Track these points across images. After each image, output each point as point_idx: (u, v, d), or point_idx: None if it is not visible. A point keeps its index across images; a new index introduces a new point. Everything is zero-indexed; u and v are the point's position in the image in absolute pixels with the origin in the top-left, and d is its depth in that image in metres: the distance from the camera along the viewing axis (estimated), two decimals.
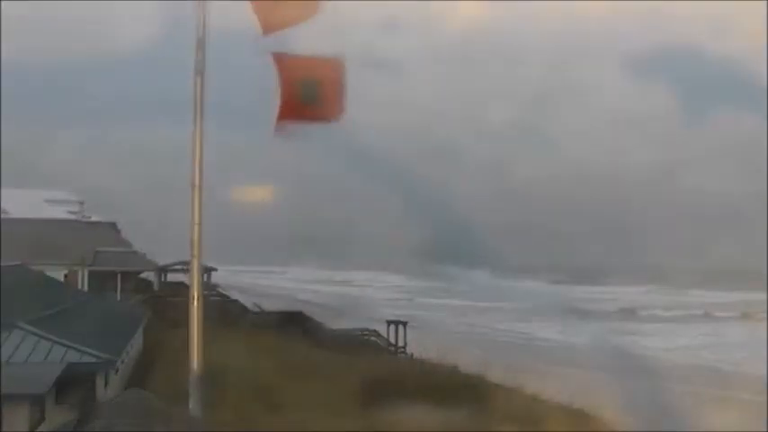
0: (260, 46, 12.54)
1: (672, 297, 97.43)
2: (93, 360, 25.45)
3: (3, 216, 52.10)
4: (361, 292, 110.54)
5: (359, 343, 50.48)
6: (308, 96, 12.75)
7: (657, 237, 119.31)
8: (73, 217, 59.86)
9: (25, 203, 55.71)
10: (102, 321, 34.38)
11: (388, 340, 52.82)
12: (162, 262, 57.41)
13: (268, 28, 12.55)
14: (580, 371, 43.60)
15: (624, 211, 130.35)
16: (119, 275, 53.44)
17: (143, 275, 59.66)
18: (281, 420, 25.57)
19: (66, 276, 49.90)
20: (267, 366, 32.76)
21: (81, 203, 64.09)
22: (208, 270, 54.51)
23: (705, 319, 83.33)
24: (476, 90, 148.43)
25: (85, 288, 49.71)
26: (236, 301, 59.28)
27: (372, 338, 52.78)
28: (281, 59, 12.59)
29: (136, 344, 35.91)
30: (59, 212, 58.70)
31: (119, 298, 51.51)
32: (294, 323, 52.14)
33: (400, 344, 52.42)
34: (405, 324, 53.79)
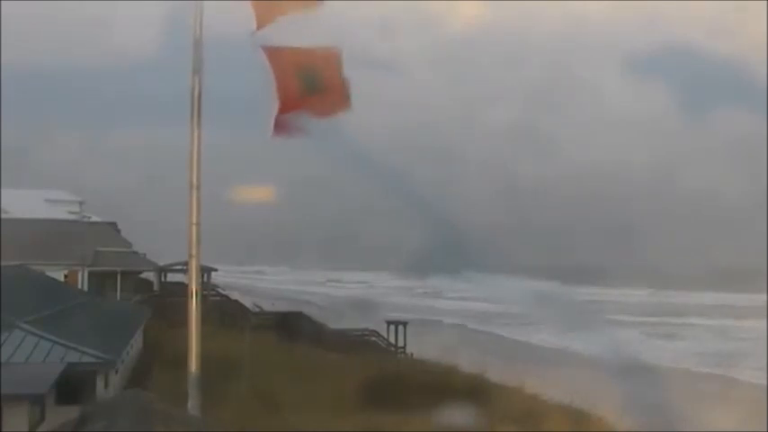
0: (254, 41, 12.53)
1: (672, 299, 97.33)
2: (93, 360, 25.46)
3: (3, 216, 52.05)
4: (360, 293, 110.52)
5: (359, 343, 50.48)
6: (308, 86, 12.69)
7: (657, 237, 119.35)
8: (73, 217, 59.84)
9: (25, 203, 55.69)
10: (102, 321, 34.39)
11: (387, 340, 52.80)
12: (162, 262, 57.41)
13: (263, 21, 12.53)
14: (580, 371, 43.55)
15: (624, 211, 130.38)
16: (119, 275, 53.41)
17: (143, 275, 59.66)
18: (280, 420, 25.57)
19: (66, 276, 49.86)
20: (267, 366, 32.75)
21: (81, 203, 64.11)
22: (208, 270, 54.51)
23: (705, 321, 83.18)
24: (476, 90, 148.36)
25: (85, 288, 49.67)
26: (236, 301, 59.27)
27: (372, 338, 52.76)
28: (272, 53, 12.56)
29: (136, 344, 35.91)
30: (59, 212, 58.68)
31: (119, 298, 51.49)
32: (294, 323, 52.11)
33: (400, 344, 52.40)
34: (405, 324, 53.77)
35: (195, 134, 13.37)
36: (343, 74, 12.60)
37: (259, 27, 12.50)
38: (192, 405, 13.56)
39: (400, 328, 53.37)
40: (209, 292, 52.79)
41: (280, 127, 12.61)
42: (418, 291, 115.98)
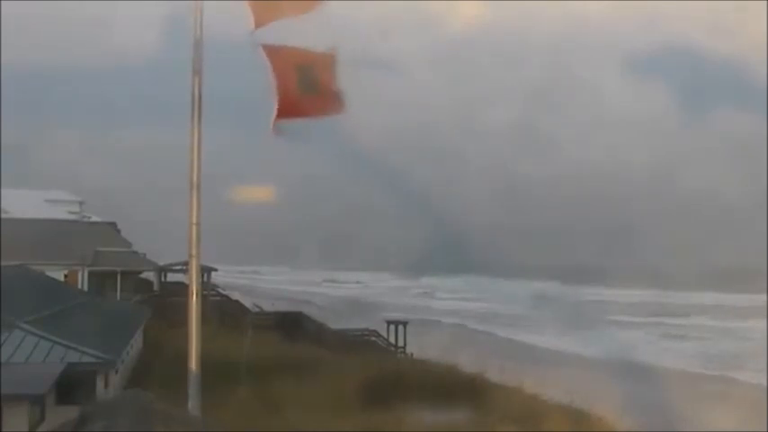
0: (253, 40, 12.54)
1: (672, 299, 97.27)
2: (93, 360, 25.47)
3: (3, 216, 52.06)
4: (360, 293, 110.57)
5: (359, 343, 50.47)
6: (306, 87, 12.70)
7: (657, 237, 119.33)
8: (73, 217, 59.86)
9: (25, 203, 55.71)
10: (102, 321, 34.38)
11: (387, 340, 52.80)
12: (162, 262, 57.41)
13: (261, 21, 12.54)
14: (580, 371, 43.54)
15: (624, 211, 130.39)
16: (119, 275, 53.41)
17: (143, 275, 59.66)
18: (281, 420, 25.57)
19: (66, 276, 49.87)
20: (267, 366, 32.76)
21: (81, 203, 64.13)
22: (208, 270, 54.50)
23: (705, 321, 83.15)
24: (476, 90, 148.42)
25: (85, 288, 49.67)
26: (236, 301, 59.29)
27: (372, 338, 52.77)
28: (272, 51, 12.57)
29: (136, 344, 35.92)
30: (59, 212, 58.70)
31: (119, 298, 51.49)
32: (294, 323, 52.13)
33: (400, 344, 52.40)
34: (405, 324, 53.79)
35: (195, 134, 13.36)
36: (338, 77, 12.62)
37: (257, 27, 12.50)
38: (193, 405, 13.55)
39: (400, 327, 53.39)
40: (210, 292, 52.79)
41: (279, 126, 12.61)
42: (418, 291, 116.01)
